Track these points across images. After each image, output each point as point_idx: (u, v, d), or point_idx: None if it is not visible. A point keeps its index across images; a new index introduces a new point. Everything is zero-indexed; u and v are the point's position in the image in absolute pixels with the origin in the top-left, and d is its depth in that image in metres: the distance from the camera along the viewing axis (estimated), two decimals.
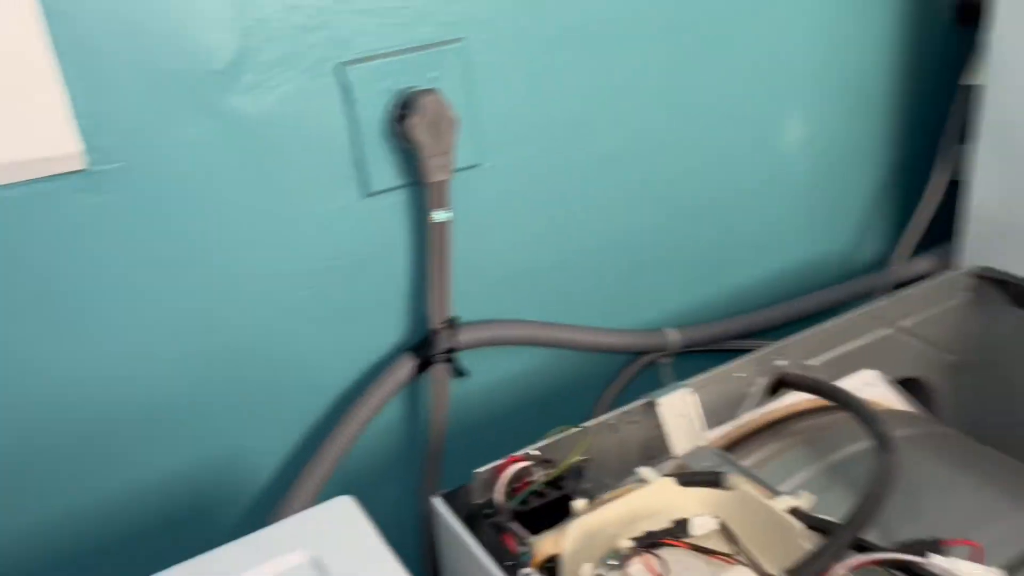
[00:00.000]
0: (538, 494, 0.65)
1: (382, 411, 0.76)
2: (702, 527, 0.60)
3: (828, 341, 0.82)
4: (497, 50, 0.73)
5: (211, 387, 0.71)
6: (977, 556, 0.52)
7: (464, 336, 0.77)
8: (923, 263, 1.00)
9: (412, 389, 0.79)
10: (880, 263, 1.05)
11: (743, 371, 0.77)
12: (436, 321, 0.75)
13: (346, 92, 0.68)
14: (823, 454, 0.73)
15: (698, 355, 0.93)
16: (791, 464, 0.72)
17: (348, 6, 0.66)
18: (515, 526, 0.62)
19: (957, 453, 0.77)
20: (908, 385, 0.90)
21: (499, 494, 0.65)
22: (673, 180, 0.88)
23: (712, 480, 0.63)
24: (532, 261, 0.82)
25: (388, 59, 0.69)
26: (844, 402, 0.73)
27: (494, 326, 0.79)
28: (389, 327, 0.77)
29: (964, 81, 0.94)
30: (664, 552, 0.58)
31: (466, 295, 0.78)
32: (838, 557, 0.55)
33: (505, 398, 0.85)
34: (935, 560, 0.52)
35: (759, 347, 0.89)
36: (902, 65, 0.97)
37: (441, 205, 0.72)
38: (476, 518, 0.63)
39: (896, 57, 0.96)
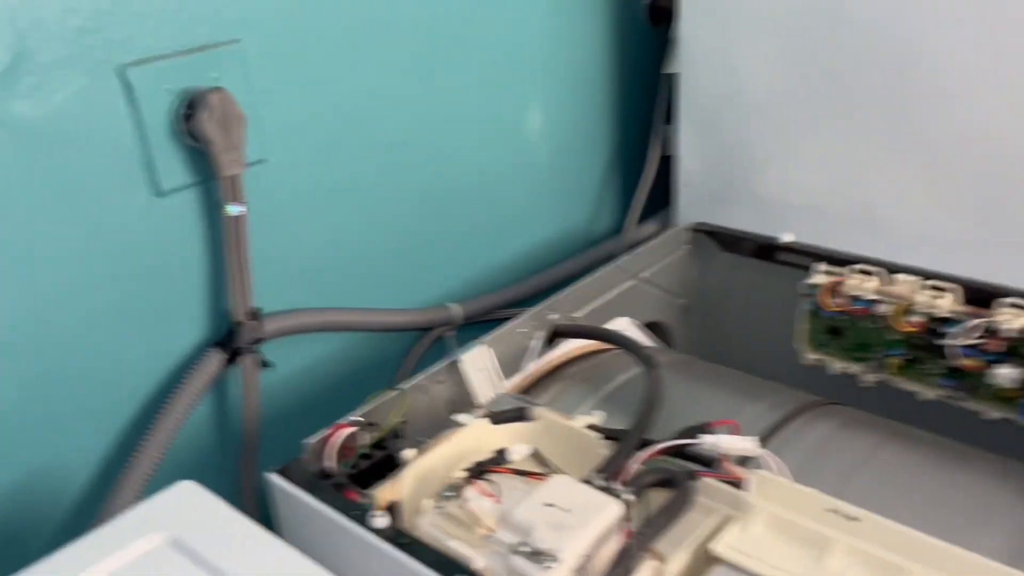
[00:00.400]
0: (365, 456, 0.71)
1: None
2: (519, 453, 0.69)
3: (588, 295, 0.95)
4: (273, 49, 0.77)
5: (10, 406, 0.67)
6: (735, 431, 0.66)
7: (268, 326, 0.80)
8: (649, 227, 1.17)
9: (220, 383, 0.81)
10: (616, 230, 1.21)
11: (524, 327, 0.87)
12: (239, 314, 0.77)
13: (129, 93, 0.69)
14: (599, 386, 0.85)
15: (477, 325, 1.02)
16: (576, 398, 0.84)
17: (125, 8, 0.67)
18: (351, 487, 0.67)
19: (699, 372, 0.93)
20: (652, 328, 1.06)
21: (330, 460, 0.69)
22: (438, 167, 0.96)
23: (519, 415, 0.73)
24: (325, 249, 0.86)
25: (169, 60, 0.70)
26: (611, 339, 0.86)
27: (295, 315, 0.83)
28: (194, 323, 0.77)
29: (665, 70, 1.12)
30: (492, 478, 0.66)
31: (266, 287, 0.80)
32: (631, 454, 0.66)
33: (311, 383, 0.89)
34: (705, 439, 0.65)
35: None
36: (614, 59, 1.14)
37: (235, 199, 0.74)
38: (313, 485, 0.67)
39: (608, 53, 1.13)
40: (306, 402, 0.89)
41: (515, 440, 0.71)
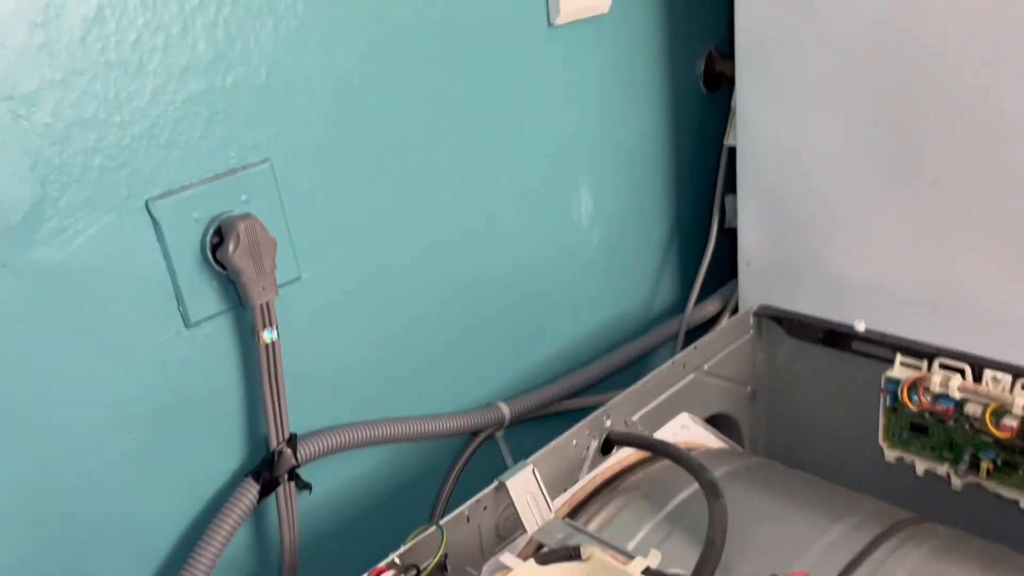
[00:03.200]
0: None
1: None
2: None
3: (647, 396, 0.89)
4: (303, 166, 0.74)
5: (42, 559, 0.65)
6: None
7: (304, 451, 0.76)
8: (711, 305, 1.11)
9: (257, 511, 0.77)
10: (675, 308, 1.15)
11: (576, 438, 0.82)
12: (276, 441, 0.74)
13: (156, 227, 0.66)
14: (659, 505, 0.79)
15: (530, 422, 0.97)
16: (634, 520, 0.78)
17: (149, 142, 0.65)
18: None
19: (772, 481, 0.86)
20: (715, 420, 0.99)
21: None
22: (485, 262, 0.92)
23: (569, 555, 0.67)
24: (363, 360, 0.82)
25: (196, 189, 0.68)
26: (670, 455, 0.79)
27: (333, 434, 0.79)
28: (227, 453, 0.74)
29: (726, 142, 1.06)
30: None
31: (302, 405, 0.77)
32: None
33: (352, 502, 0.85)
34: None
35: (583, 406, 0.96)
36: (669, 131, 1.08)
37: (268, 324, 0.71)
38: None
39: (665, 125, 1.07)
40: (349, 522, 0.85)
41: None
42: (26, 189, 0.60)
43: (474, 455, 0.94)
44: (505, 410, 0.94)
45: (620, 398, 0.86)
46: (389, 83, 0.78)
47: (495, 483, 0.75)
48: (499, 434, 0.95)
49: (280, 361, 0.73)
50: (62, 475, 0.66)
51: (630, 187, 1.05)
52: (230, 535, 0.72)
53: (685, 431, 0.93)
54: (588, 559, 0.67)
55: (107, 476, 0.68)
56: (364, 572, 0.63)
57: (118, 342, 0.66)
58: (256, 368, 0.73)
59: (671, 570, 0.65)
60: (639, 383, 0.88)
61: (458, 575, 0.71)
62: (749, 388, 1.04)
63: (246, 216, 0.68)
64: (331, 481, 0.82)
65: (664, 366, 0.91)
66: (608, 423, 0.84)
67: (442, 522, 0.70)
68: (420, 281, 0.86)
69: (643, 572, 0.65)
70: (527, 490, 0.75)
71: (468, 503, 0.73)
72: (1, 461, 0.63)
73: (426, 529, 0.70)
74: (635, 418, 0.88)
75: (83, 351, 0.65)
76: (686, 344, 1.06)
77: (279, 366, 0.73)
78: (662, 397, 0.91)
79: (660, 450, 0.80)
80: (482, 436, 0.94)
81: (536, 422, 0.99)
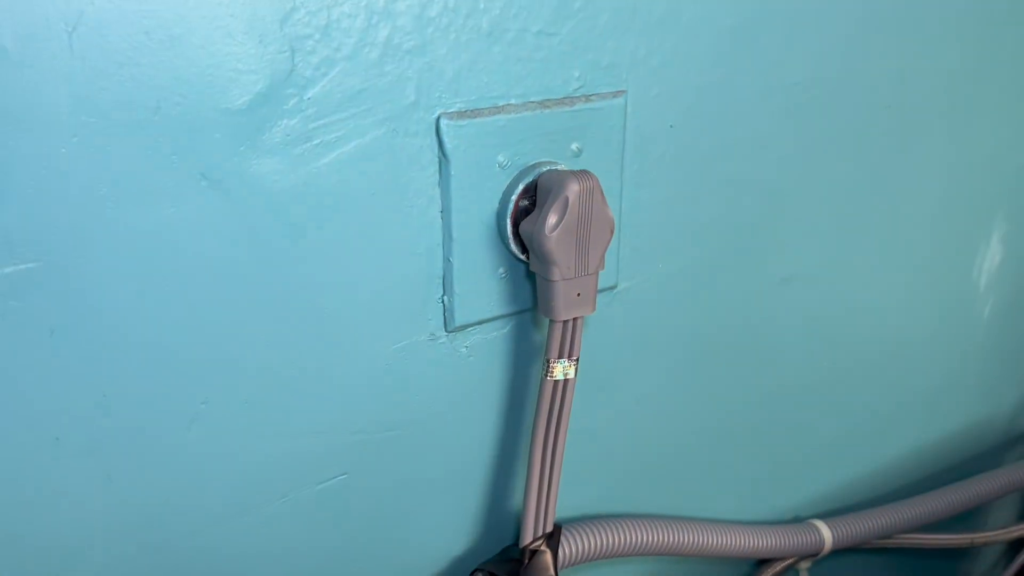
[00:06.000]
0: None
1: None
2: None
3: None
4: (662, 114, 0.47)
5: None
6: None
7: (568, 550, 0.49)
8: None
9: None
10: None
11: None
12: (531, 535, 0.47)
13: (443, 160, 0.40)
14: None
15: (847, 554, 0.67)
16: None
17: (465, 20, 0.39)
18: None
19: None
20: None
21: None
22: (840, 318, 0.62)
23: None
24: (655, 425, 0.54)
25: (513, 115, 0.41)
26: None
27: (605, 530, 0.51)
28: (447, 526, 0.48)
29: None
30: None
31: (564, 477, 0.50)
32: None
33: None
34: None
35: (924, 545, 0.66)
36: None
37: (568, 354, 0.44)
38: None
39: None
40: None
41: None
42: (265, 55, 0.35)
43: None
44: (825, 533, 0.63)
45: None
46: (806, 32, 0.50)
47: None
48: (804, 565, 0.65)
49: (568, 408, 0.45)
50: (204, 535, 0.41)
51: None
52: None
53: None
54: None
55: (264, 547, 0.43)
56: None
57: (347, 335, 0.41)
58: (528, 412, 0.46)
59: None
60: None
61: None
62: None
63: (584, 176, 0.41)
64: None
65: None
66: None
67: None
68: (760, 325, 0.57)
69: None
70: None
71: None
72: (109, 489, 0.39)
73: None
74: None
75: (284, 332, 0.40)
76: None
77: (565, 416, 0.45)
78: None
79: None
80: (781, 564, 0.64)
81: (856, 556, 0.68)
